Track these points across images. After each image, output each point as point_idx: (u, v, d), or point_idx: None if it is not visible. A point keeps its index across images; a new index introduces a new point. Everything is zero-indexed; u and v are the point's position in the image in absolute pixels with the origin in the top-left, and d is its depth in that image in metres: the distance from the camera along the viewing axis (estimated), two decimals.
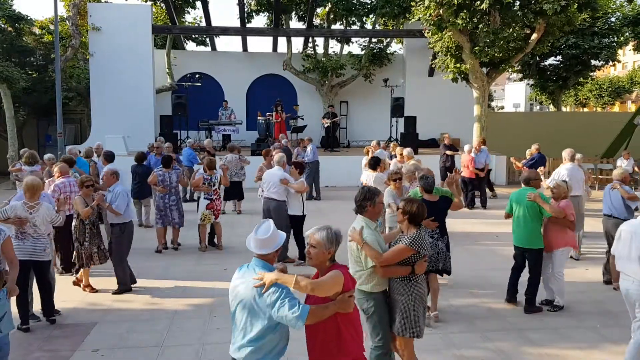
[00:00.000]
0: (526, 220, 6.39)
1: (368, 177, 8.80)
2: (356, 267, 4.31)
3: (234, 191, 12.31)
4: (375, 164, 8.89)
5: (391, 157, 11.99)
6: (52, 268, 6.49)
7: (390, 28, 23.46)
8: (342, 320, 3.26)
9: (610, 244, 7.28)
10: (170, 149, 12.82)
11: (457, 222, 11.50)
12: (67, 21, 20.00)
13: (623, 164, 15.30)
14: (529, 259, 6.51)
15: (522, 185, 6.77)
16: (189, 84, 18.89)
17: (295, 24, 23.47)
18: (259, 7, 22.40)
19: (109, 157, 10.16)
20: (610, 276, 7.41)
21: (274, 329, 3.18)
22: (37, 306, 6.22)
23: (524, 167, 11.15)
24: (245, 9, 21.88)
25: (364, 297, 4.32)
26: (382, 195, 4.53)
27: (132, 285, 7.33)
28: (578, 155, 9.75)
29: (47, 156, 9.99)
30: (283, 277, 3.13)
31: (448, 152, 14.36)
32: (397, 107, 18.70)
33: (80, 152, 11.34)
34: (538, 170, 8.32)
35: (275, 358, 3.26)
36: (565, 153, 9.86)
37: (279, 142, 14.48)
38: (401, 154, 10.94)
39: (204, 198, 9.20)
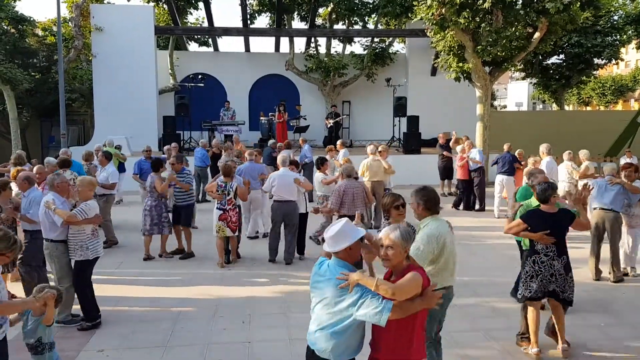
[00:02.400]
0: None
1: (316, 177, 9.56)
2: None
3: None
4: (320, 163, 9.42)
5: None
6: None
7: (393, 27, 23.46)
8: (419, 317, 3.26)
9: (599, 236, 7.62)
10: (177, 149, 12.76)
11: (459, 221, 11.50)
12: (69, 22, 20.06)
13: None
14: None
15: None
16: (192, 84, 18.92)
17: (297, 24, 23.49)
18: (261, 8, 22.41)
19: (109, 156, 10.20)
20: (615, 274, 7.59)
21: (355, 326, 3.22)
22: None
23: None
24: (248, 10, 21.89)
25: None
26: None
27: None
28: (566, 153, 10.54)
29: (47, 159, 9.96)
30: (364, 278, 3.15)
31: (445, 154, 14.39)
32: (400, 106, 18.70)
33: (70, 154, 11.11)
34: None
35: (353, 354, 3.33)
36: (543, 147, 10.70)
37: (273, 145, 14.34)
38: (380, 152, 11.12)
39: (217, 208, 8.33)
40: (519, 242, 6.70)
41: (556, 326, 5.35)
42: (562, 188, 10.71)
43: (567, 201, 8.20)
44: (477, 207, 12.93)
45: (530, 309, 5.32)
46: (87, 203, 5.94)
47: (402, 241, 3.22)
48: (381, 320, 3.04)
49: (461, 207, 13.04)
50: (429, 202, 4.25)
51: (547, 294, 5.27)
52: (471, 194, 13.01)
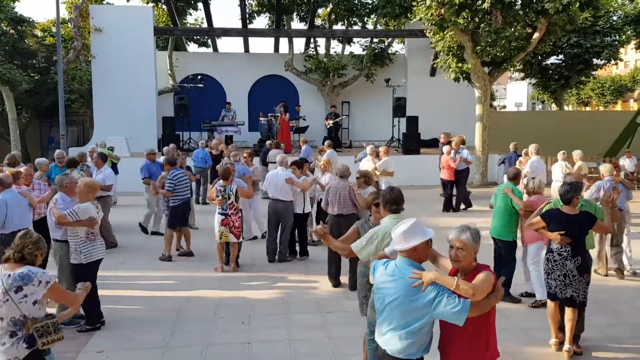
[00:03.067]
0: (500, 212, 6.82)
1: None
2: None
3: None
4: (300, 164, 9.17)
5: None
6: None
7: (392, 28, 23.45)
8: (492, 315, 3.28)
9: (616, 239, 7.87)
10: (175, 150, 12.73)
11: (458, 222, 11.50)
12: (69, 23, 20.06)
13: (625, 163, 15.28)
14: (501, 249, 6.82)
15: (509, 180, 7.16)
16: (191, 85, 18.91)
17: (296, 24, 23.48)
18: (260, 8, 22.41)
19: (104, 158, 10.18)
20: (620, 268, 7.82)
21: (428, 324, 3.23)
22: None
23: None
24: (247, 10, 21.89)
25: None
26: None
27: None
28: (560, 154, 10.78)
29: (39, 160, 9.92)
30: (443, 277, 3.15)
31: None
32: (399, 107, 18.69)
33: (65, 156, 11.09)
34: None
35: (425, 352, 3.35)
36: (532, 147, 11.10)
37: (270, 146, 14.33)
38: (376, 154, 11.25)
39: (218, 213, 8.00)
40: (508, 241, 6.82)
41: (566, 325, 5.38)
42: (555, 187, 10.86)
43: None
44: (462, 206, 12.78)
45: (548, 302, 5.55)
46: (81, 205, 5.88)
47: (472, 242, 3.24)
48: (460, 319, 3.07)
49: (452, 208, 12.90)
50: (388, 202, 4.38)
51: (566, 302, 5.32)
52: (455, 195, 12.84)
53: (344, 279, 7.29)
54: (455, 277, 3.16)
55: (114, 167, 13.30)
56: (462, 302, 3.06)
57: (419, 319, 3.18)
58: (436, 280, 3.13)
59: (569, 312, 5.33)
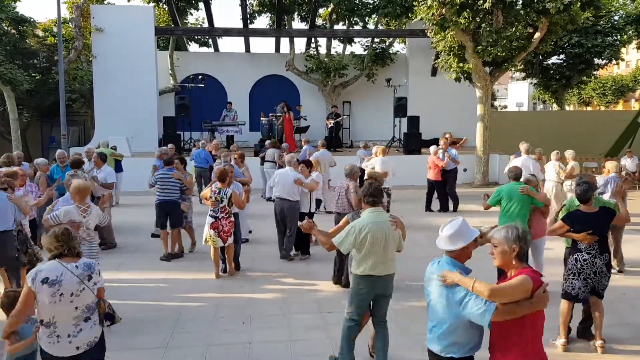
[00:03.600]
0: (519, 213, 6.65)
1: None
2: (395, 254, 4.82)
3: None
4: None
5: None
6: None
7: (393, 28, 23.45)
8: (528, 320, 3.18)
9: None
10: (173, 150, 12.74)
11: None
12: (70, 23, 20.07)
13: (627, 163, 15.28)
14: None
15: (511, 181, 7.00)
16: (192, 85, 18.92)
17: (297, 24, 23.48)
18: (261, 8, 22.41)
19: (104, 157, 10.18)
20: (620, 265, 7.99)
21: (462, 325, 3.26)
22: None
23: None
24: (248, 10, 21.89)
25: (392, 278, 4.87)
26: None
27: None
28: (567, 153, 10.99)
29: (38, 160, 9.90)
30: (463, 279, 3.22)
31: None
32: (400, 106, 18.69)
33: (65, 156, 11.00)
34: None
35: (470, 352, 3.35)
36: (523, 147, 11.39)
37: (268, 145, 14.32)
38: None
39: (209, 215, 7.74)
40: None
41: (595, 322, 5.45)
42: (549, 187, 11.01)
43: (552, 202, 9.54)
44: (451, 208, 12.54)
45: (563, 301, 5.50)
46: (62, 208, 5.83)
47: (505, 241, 3.25)
48: (483, 321, 3.10)
49: (436, 208, 12.63)
50: (365, 196, 4.77)
51: (590, 293, 5.42)
52: (444, 195, 12.59)
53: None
54: (474, 279, 3.20)
55: (118, 165, 13.30)
56: (487, 306, 3.08)
57: (451, 318, 3.26)
58: (457, 281, 3.22)
59: (598, 306, 5.40)
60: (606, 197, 8.11)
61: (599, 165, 17.85)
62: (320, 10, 22.95)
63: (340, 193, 7.51)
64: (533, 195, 6.70)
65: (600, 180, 8.38)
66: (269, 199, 13.20)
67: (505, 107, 69.23)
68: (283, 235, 8.78)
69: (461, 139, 15.96)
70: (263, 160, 13.97)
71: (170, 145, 13.08)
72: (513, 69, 17.03)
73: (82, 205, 5.77)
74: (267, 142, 14.91)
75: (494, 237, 3.31)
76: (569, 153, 11.12)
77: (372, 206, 4.73)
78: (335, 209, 7.57)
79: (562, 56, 26.22)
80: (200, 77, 19.41)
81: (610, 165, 8.50)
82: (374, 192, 4.74)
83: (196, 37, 26.87)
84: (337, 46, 24.40)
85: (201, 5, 22.26)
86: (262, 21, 74.06)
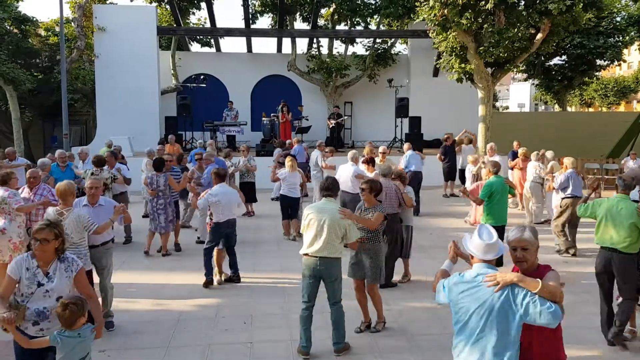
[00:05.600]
0: (504, 201, 7.83)
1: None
2: (336, 240, 5.27)
3: (246, 193, 11.88)
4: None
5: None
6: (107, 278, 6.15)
7: (395, 28, 23.45)
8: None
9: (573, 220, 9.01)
10: (162, 151, 12.45)
11: (455, 222, 11.50)
12: (72, 23, 20.09)
13: (629, 164, 15.25)
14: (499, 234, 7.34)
15: (493, 175, 7.99)
16: (194, 85, 18.93)
17: (299, 24, 23.52)
18: (263, 8, 22.43)
19: (116, 156, 10.20)
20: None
21: (519, 330, 3.06)
22: None
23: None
24: (250, 10, 21.91)
25: (337, 263, 5.34)
26: None
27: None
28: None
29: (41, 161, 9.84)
30: (526, 280, 3.03)
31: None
32: (402, 107, 18.68)
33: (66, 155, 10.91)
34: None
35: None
36: (488, 146, 12.70)
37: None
38: (382, 153, 11.32)
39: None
40: None
41: None
42: (528, 187, 11.46)
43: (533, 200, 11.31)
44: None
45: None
46: (48, 210, 5.76)
47: (535, 240, 3.20)
48: (554, 324, 2.96)
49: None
50: (321, 189, 5.56)
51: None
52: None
53: None
54: (539, 280, 3.01)
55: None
56: (555, 307, 2.93)
57: (512, 321, 3.02)
58: (519, 282, 3.01)
59: None
60: (569, 191, 9.07)
61: (601, 167, 17.84)
62: (322, 11, 22.95)
63: (388, 193, 7.42)
64: (511, 185, 8.17)
65: (561, 177, 9.19)
66: (274, 199, 13.22)
67: (507, 108, 69.20)
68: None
69: (469, 136, 15.65)
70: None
71: (159, 147, 12.86)
72: (515, 69, 17.00)
73: (63, 208, 5.54)
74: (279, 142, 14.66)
75: (522, 239, 3.18)
76: (549, 153, 11.55)
77: (326, 197, 5.48)
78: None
79: (564, 57, 26.19)
80: (202, 77, 19.42)
81: (567, 161, 9.25)
82: (328, 186, 5.50)
83: (198, 37, 26.89)
84: (339, 46, 24.45)
85: (203, 5, 22.27)
86: (264, 21, 74.10)
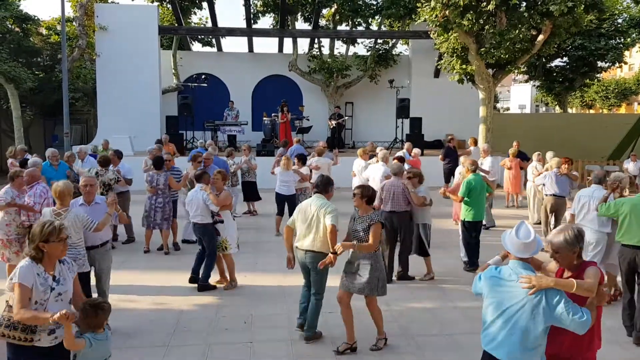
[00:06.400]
0: (482, 197, 8.18)
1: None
2: (321, 235, 5.44)
3: (248, 192, 12.10)
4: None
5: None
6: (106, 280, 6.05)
7: (396, 29, 23.46)
8: (597, 315, 3.29)
9: (548, 218, 9.80)
10: (160, 151, 12.43)
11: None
12: (74, 22, 20.10)
13: (630, 166, 15.27)
14: (477, 230, 8.22)
15: (471, 173, 8.38)
16: (195, 84, 18.94)
17: (301, 24, 23.56)
18: (264, 8, 22.45)
19: (120, 155, 10.19)
20: None
21: (547, 330, 3.21)
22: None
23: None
24: (251, 10, 21.92)
25: (319, 257, 5.40)
26: None
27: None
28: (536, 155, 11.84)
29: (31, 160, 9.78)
30: (562, 282, 3.16)
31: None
32: (403, 108, 18.69)
33: (57, 155, 10.66)
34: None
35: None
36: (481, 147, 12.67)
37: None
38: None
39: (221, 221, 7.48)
40: None
41: None
42: (529, 187, 11.63)
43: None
44: None
45: None
46: (44, 211, 5.65)
47: (566, 245, 3.26)
48: (583, 330, 3.08)
49: None
50: (314, 187, 5.92)
51: None
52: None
53: None
54: (574, 280, 3.16)
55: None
56: (586, 312, 3.07)
57: (540, 325, 3.15)
58: (555, 286, 3.13)
59: None
60: (546, 189, 9.70)
61: (602, 168, 17.84)
62: (324, 11, 22.96)
63: (395, 192, 7.54)
64: (488, 183, 8.66)
65: (540, 176, 9.91)
66: None
67: (508, 109, 69.11)
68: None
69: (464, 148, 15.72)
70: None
71: (156, 146, 12.83)
72: (516, 71, 17.00)
73: (60, 208, 5.44)
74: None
75: (552, 243, 3.30)
76: (549, 154, 11.53)
77: (318, 194, 5.68)
78: (389, 208, 7.60)
79: (565, 59, 26.20)
80: (203, 76, 19.43)
81: (552, 162, 9.79)
82: (319, 184, 5.73)
83: (199, 37, 26.91)
84: (340, 47, 24.44)
85: (205, 4, 22.29)
86: (266, 21, 74.17)
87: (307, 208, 5.56)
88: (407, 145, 13.02)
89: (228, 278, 7.48)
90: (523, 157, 13.02)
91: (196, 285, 7.31)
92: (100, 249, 5.90)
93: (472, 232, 8.15)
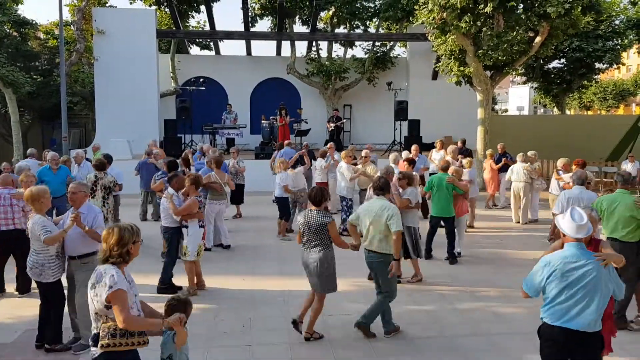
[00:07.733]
0: (447, 197, 8.58)
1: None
2: (381, 236, 5.74)
3: (236, 194, 12.06)
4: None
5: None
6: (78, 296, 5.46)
7: (394, 32, 23.49)
8: None
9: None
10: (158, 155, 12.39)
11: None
12: (71, 26, 20.14)
13: (627, 167, 15.27)
14: (446, 224, 8.66)
15: (440, 172, 8.98)
16: (193, 87, 18.95)
17: (299, 27, 23.65)
18: (262, 11, 22.47)
19: (110, 159, 10.18)
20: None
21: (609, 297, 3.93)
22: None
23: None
24: (249, 13, 21.95)
25: (383, 258, 5.76)
26: None
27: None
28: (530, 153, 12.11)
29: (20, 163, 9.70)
30: (617, 257, 3.95)
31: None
32: (401, 110, 18.71)
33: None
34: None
35: None
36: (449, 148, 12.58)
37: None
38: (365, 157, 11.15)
39: (200, 226, 7.33)
40: None
41: None
42: (519, 187, 11.74)
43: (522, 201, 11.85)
44: None
45: None
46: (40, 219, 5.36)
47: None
48: (621, 296, 3.96)
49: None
50: (374, 189, 6.15)
51: None
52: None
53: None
54: (622, 256, 4.00)
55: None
56: (622, 283, 3.93)
57: (609, 294, 3.83)
58: (616, 259, 3.91)
59: None
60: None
61: (600, 170, 17.86)
62: (322, 14, 23.01)
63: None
64: (457, 184, 8.65)
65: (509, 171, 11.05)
66: (274, 201, 13.25)
67: (506, 111, 69.23)
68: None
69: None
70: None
71: (152, 145, 12.82)
72: (514, 73, 17.02)
73: (37, 213, 5.33)
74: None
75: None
76: (531, 153, 12.04)
77: (378, 195, 6.00)
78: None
79: (562, 60, 26.21)
80: (201, 79, 19.44)
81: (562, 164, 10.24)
82: (379, 185, 6.05)
83: (197, 40, 26.94)
84: (338, 49, 24.48)
85: (203, 8, 22.32)
86: (264, 24, 74.22)
87: (368, 210, 5.89)
88: (414, 147, 12.70)
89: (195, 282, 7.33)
90: (509, 158, 13.38)
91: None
92: (77, 260, 5.35)
93: (446, 226, 8.72)
